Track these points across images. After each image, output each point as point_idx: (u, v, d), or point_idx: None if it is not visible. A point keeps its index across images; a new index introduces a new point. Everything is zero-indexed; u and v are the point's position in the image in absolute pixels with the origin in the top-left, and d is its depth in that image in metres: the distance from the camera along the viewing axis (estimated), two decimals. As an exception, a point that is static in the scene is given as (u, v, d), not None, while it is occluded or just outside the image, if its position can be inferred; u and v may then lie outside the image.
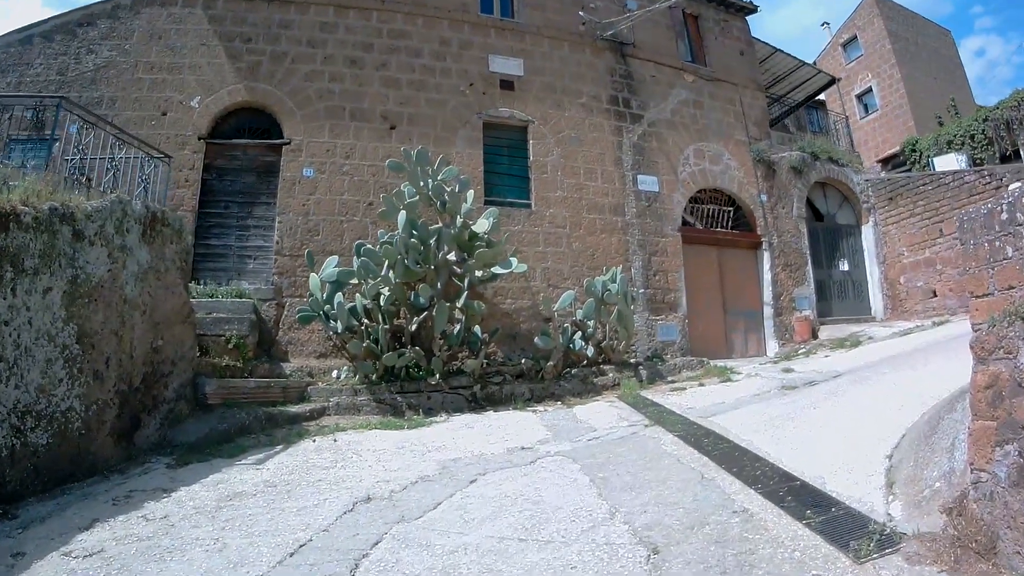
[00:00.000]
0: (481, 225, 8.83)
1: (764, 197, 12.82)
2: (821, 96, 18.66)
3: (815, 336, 12.24)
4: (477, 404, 8.00)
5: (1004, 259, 2.98)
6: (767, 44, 15.00)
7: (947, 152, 17.37)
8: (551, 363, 8.88)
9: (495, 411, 7.63)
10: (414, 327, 8.12)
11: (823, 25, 27.57)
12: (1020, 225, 2.90)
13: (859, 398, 5.94)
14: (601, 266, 10.46)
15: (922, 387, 5.59)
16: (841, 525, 3.21)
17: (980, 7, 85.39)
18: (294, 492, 4.35)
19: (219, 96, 9.80)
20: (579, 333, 9.47)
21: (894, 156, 20.57)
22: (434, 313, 8.00)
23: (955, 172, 12.77)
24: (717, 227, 12.52)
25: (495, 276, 8.93)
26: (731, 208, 12.69)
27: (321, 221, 9.50)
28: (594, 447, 5.40)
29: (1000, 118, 16.38)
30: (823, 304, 13.16)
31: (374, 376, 7.89)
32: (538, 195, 10.89)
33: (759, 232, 12.60)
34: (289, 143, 9.75)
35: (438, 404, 7.78)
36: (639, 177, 11.67)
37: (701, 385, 8.41)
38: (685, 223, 12.09)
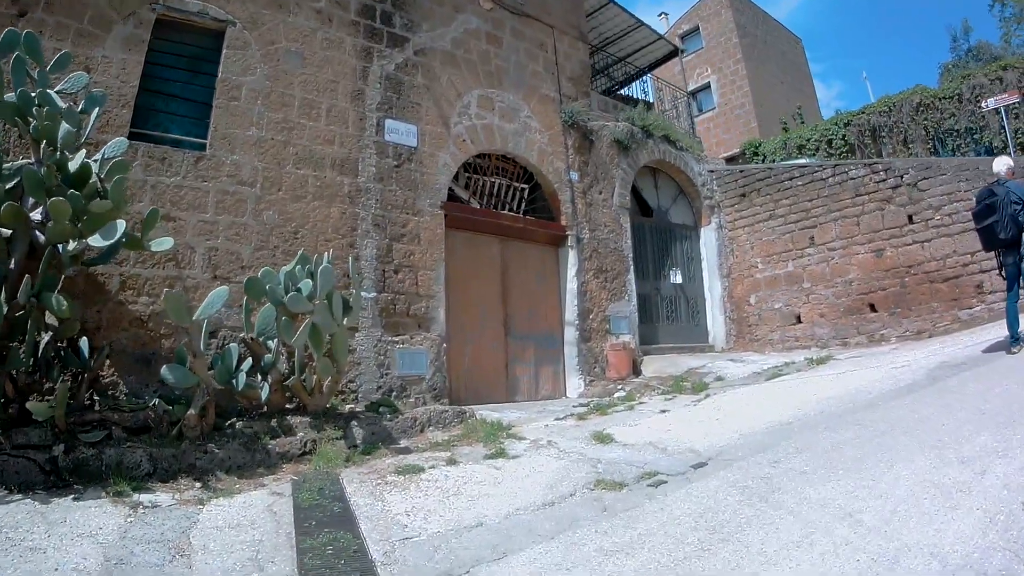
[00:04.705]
0: (77, 161, 4.92)
1: (575, 175, 9.37)
2: (650, 98, 16.02)
3: (637, 372, 8.99)
4: (59, 478, 4.46)
5: None
6: (599, -9, 11.76)
7: (797, 157, 15.45)
8: (192, 411, 4.90)
9: (76, 498, 4.18)
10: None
11: (661, 15, 25.58)
12: None
13: (776, 560, 2.65)
14: (309, 250, 6.36)
15: (923, 541, 2.58)
16: None
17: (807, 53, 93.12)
18: None
19: None
20: (250, 360, 5.46)
21: (732, 159, 18.63)
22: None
23: (836, 164, 10.15)
24: (504, 209, 8.81)
25: (111, 251, 5.10)
26: (526, 185, 9.07)
27: None
28: None
29: (865, 123, 14.93)
30: (646, 327, 9.96)
31: None
32: (220, 131, 6.66)
33: (564, 222, 9.10)
34: None
35: (-9, 474, 4.21)
36: (388, 123, 7.70)
37: (451, 463, 4.87)
38: (454, 198, 8.27)
